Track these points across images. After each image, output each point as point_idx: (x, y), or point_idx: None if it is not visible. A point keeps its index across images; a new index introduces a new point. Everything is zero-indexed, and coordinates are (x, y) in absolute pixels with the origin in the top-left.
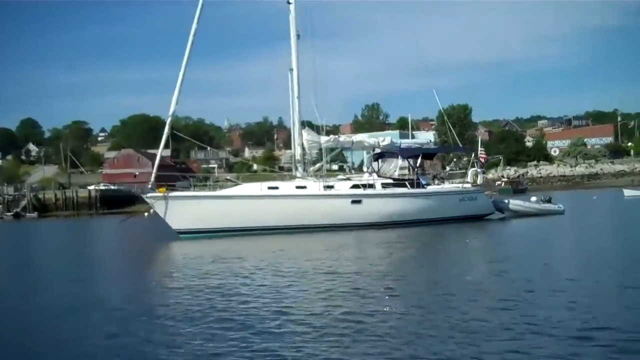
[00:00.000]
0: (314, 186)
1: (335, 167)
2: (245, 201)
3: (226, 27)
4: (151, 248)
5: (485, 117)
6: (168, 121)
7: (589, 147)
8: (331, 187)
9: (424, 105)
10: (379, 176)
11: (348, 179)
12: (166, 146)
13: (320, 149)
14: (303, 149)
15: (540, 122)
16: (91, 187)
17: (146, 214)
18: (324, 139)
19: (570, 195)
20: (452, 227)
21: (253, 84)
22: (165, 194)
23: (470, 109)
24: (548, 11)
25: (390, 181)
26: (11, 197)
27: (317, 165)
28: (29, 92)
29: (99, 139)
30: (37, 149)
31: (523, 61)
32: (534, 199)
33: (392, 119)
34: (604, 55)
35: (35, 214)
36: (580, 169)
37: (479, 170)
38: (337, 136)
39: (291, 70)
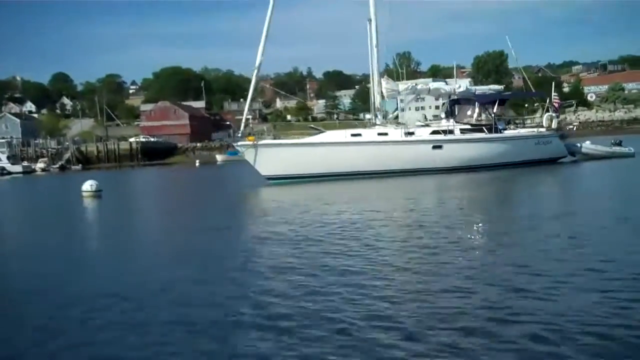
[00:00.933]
0: (396, 133)
1: (369, 115)
2: (330, 148)
3: None
4: (243, 193)
5: (516, 64)
6: (254, 73)
7: (626, 92)
8: (412, 133)
9: (455, 53)
10: (456, 122)
11: (427, 125)
12: (198, 98)
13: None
14: (382, 96)
15: (574, 68)
16: (132, 139)
17: (197, 163)
18: (402, 86)
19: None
20: (530, 169)
21: (279, 34)
22: (255, 142)
23: (506, 55)
24: None
25: (469, 127)
26: (54, 150)
27: (396, 112)
28: (59, 46)
29: (131, 91)
30: (71, 103)
31: (552, 6)
32: (587, 142)
33: (424, 67)
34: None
35: (79, 166)
36: (620, 114)
37: (553, 114)
38: (414, 84)
39: (369, 20)
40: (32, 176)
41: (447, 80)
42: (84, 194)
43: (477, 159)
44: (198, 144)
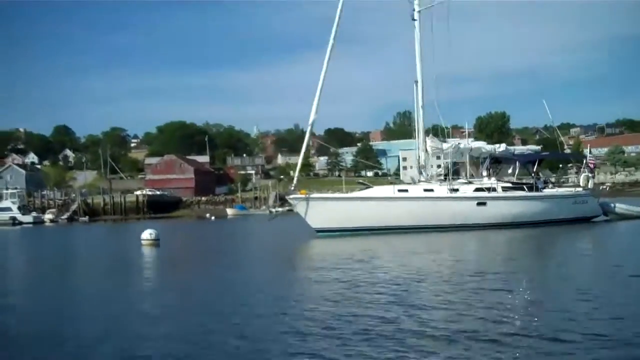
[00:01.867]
0: (441, 189)
1: (370, 173)
2: (378, 203)
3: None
4: (295, 246)
5: (514, 125)
6: (308, 130)
7: (625, 155)
8: (456, 190)
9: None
10: (497, 180)
11: (470, 182)
12: (201, 153)
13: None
14: (427, 154)
15: (572, 130)
16: (138, 192)
17: (212, 217)
18: (445, 145)
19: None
20: (568, 227)
21: (280, 92)
22: (307, 195)
23: (508, 116)
24: (575, 19)
25: (510, 185)
26: (61, 201)
27: (439, 169)
28: (60, 99)
29: (132, 144)
30: (73, 155)
31: (550, 69)
32: (620, 204)
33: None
34: (633, 63)
35: (86, 218)
36: (620, 177)
37: (589, 175)
38: (457, 143)
39: (416, 82)
40: (42, 227)
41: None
42: (144, 242)
43: (519, 216)
44: (203, 198)
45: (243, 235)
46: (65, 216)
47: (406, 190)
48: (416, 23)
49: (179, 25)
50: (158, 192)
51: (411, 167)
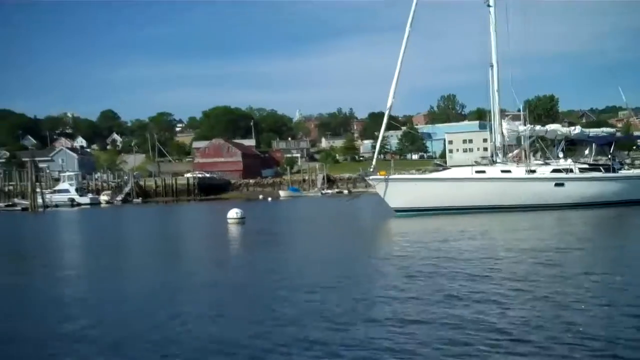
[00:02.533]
0: (518, 170)
1: (415, 156)
2: (456, 183)
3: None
4: (376, 225)
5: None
6: (386, 113)
7: None
8: (534, 171)
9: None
10: (574, 162)
11: (546, 164)
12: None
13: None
14: (502, 137)
15: (620, 113)
16: (188, 175)
17: (269, 198)
18: (521, 127)
19: None
20: None
21: (321, 77)
22: (386, 176)
23: (556, 99)
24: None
25: (586, 166)
26: (114, 183)
27: (515, 151)
28: (106, 85)
29: (177, 129)
30: (120, 139)
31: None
32: None
33: (466, 110)
34: None
35: (139, 200)
36: None
37: None
38: (532, 126)
39: (492, 65)
40: (99, 208)
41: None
42: (230, 220)
43: (596, 196)
44: (251, 181)
45: (317, 214)
46: (119, 198)
47: (484, 172)
48: (492, 9)
49: (221, 14)
50: (208, 175)
51: (457, 150)
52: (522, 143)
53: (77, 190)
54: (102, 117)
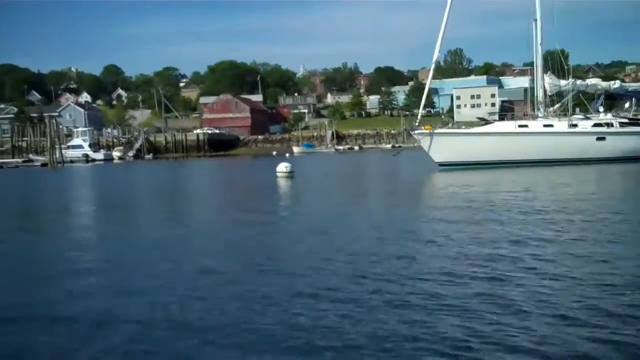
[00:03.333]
0: (560, 124)
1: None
2: (500, 138)
3: None
4: (422, 178)
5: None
6: (432, 67)
7: None
8: (575, 125)
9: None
10: (614, 116)
11: (587, 118)
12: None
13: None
14: (545, 91)
15: (628, 68)
16: (198, 131)
17: (287, 154)
18: (563, 82)
19: None
20: None
21: (326, 32)
22: (431, 130)
23: (567, 54)
24: None
25: (626, 120)
26: (125, 139)
27: (557, 105)
28: (109, 39)
29: (181, 84)
30: (125, 94)
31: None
32: None
33: (472, 65)
34: None
35: (150, 155)
36: None
37: None
38: (574, 80)
39: (535, 20)
40: (113, 164)
41: (501, 78)
42: (279, 174)
43: (637, 150)
44: (259, 137)
45: (360, 168)
46: (130, 154)
47: (526, 126)
48: None
49: None
50: (217, 131)
51: (465, 106)
52: (564, 97)
53: (90, 146)
54: (105, 71)
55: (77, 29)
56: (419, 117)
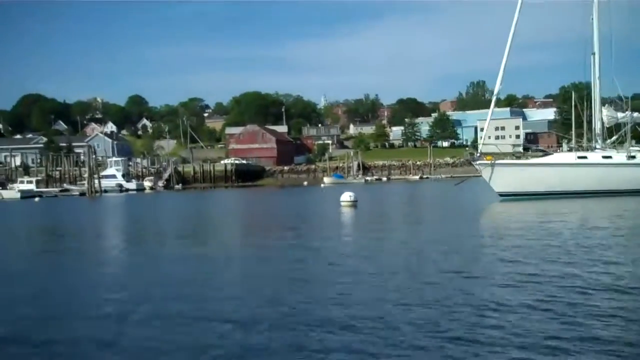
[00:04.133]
0: (619, 156)
1: (446, 143)
2: (560, 168)
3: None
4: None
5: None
6: (493, 99)
7: None
8: (633, 157)
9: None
10: None
11: None
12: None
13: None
14: (602, 123)
15: None
16: (226, 161)
17: (322, 184)
18: (620, 114)
19: None
20: None
21: (345, 62)
22: (492, 161)
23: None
24: None
25: None
26: (154, 169)
27: (614, 137)
28: (131, 69)
29: (205, 114)
30: (150, 124)
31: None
32: None
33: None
34: None
35: (180, 185)
36: None
37: None
38: (631, 113)
39: (593, 54)
40: (145, 193)
41: (524, 110)
42: (343, 203)
43: None
44: (285, 167)
45: (418, 198)
46: (161, 183)
47: (585, 157)
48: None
49: None
50: (244, 162)
51: (489, 137)
52: (621, 129)
53: (123, 176)
54: (130, 101)
55: (99, 58)
56: (479, 147)
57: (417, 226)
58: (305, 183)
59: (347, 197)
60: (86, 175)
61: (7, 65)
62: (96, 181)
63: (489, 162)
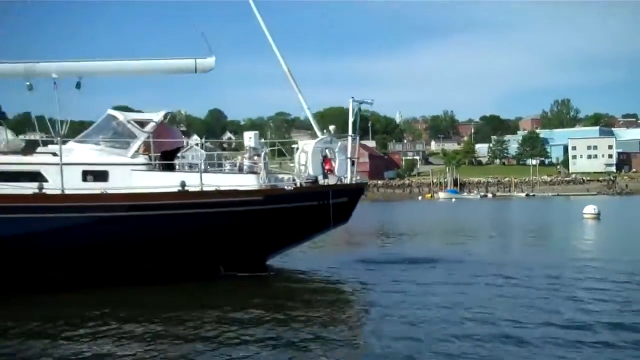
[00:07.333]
0: None
1: (534, 161)
2: None
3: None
4: None
5: None
6: None
7: None
8: None
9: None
10: None
11: None
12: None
13: None
14: None
15: None
16: None
17: (454, 199)
18: None
19: None
20: None
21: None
22: None
23: None
24: None
25: None
26: None
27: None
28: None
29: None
30: (233, 137)
31: None
32: None
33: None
34: None
35: None
36: None
37: None
38: None
39: None
40: None
41: (613, 129)
42: (586, 215)
43: None
44: (379, 182)
45: None
46: None
47: None
48: None
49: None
50: None
51: (581, 157)
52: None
53: None
54: (209, 115)
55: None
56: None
57: None
58: (420, 198)
59: (590, 210)
60: None
61: None
62: None
63: None
